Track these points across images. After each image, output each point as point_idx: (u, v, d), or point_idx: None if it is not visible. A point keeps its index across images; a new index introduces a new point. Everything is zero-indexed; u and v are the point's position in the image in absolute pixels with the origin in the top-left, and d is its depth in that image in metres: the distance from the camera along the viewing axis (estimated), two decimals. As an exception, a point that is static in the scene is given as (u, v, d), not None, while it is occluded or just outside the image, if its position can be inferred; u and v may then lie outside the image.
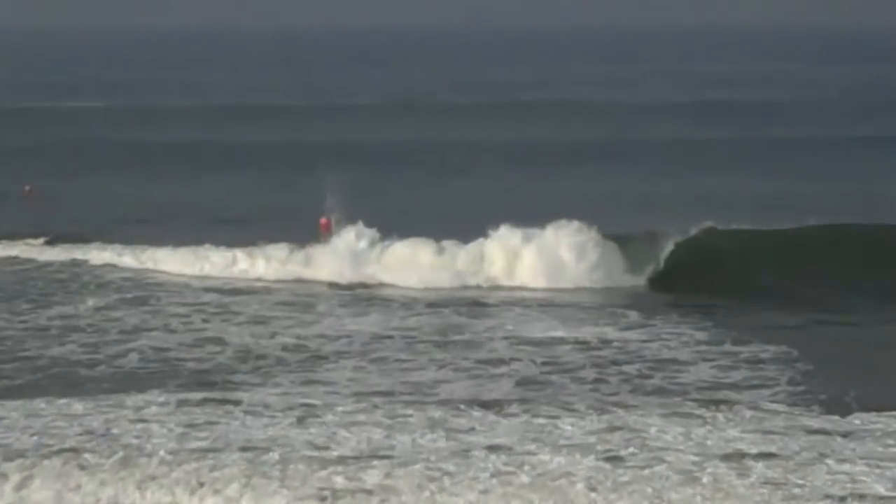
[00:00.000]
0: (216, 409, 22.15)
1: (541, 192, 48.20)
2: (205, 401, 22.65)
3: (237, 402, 22.60)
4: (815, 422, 21.26)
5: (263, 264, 34.92)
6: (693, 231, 34.46)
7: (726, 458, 19.47)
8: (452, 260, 34.36)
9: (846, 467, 19.07)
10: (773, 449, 19.84)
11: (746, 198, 45.52)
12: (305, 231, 36.43)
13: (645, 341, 27.31)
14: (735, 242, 34.52)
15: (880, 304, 31.11)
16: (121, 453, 19.88)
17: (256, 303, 31.62)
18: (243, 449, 20.00)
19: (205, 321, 29.64)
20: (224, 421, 21.53)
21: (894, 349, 27.56)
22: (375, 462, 19.43)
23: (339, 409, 22.18)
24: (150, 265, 35.84)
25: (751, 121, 77.73)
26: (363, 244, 34.98)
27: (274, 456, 19.72)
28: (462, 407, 22.27)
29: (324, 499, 18.42)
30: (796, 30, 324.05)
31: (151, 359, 26.28)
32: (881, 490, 18.23)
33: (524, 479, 18.75)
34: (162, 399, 22.82)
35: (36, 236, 38.86)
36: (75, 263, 36.27)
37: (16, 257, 37.16)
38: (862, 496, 18.08)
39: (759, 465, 19.13)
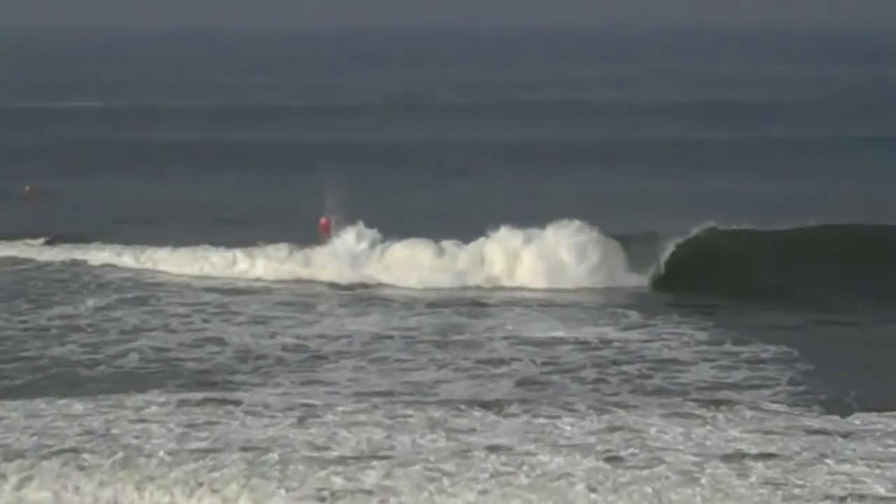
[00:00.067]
0: (216, 410, 22.15)
1: (541, 192, 48.20)
2: (205, 401, 22.65)
3: (237, 403, 22.60)
4: (815, 422, 21.25)
5: (263, 264, 34.92)
6: (694, 231, 34.47)
7: (726, 458, 19.46)
8: (452, 260, 34.35)
9: (846, 468, 19.07)
10: (773, 449, 19.83)
11: (746, 198, 45.53)
12: (305, 231, 36.43)
13: (645, 341, 27.31)
14: (735, 243, 34.52)
15: (880, 304, 31.12)
16: (120, 453, 19.87)
17: (256, 303, 31.62)
18: (243, 449, 20.00)
19: (205, 321, 29.64)
20: (224, 421, 21.52)
21: (894, 349, 27.54)
22: (375, 462, 19.42)
23: (340, 409, 22.17)
24: (150, 265, 35.84)
25: (751, 121, 77.73)
26: (363, 245, 34.98)
27: (274, 456, 19.71)
28: (462, 407, 22.26)
29: (323, 499, 18.41)
30: (796, 30, 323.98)
31: (151, 359, 26.27)
32: (881, 490, 18.22)
33: (524, 479, 18.75)
34: (162, 399, 22.82)
35: (36, 236, 38.87)
36: (75, 263, 36.26)
37: (16, 257, 37.15)
38: (862, 496, 18.07)
39: (759, 466, 19.12)
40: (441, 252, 34.59)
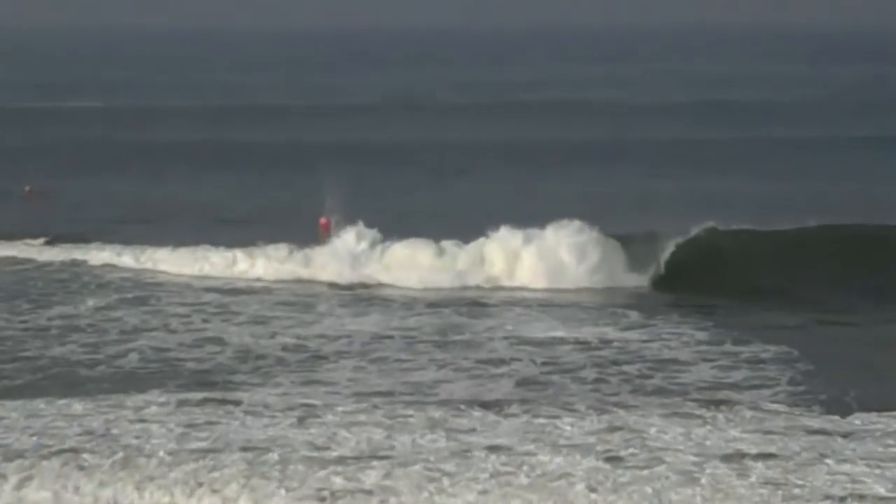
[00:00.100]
0: (216, 410, 22.15)
1: (541, 192, 48.20)
2: (205, 401, 22.65)
3: (237, 403, 22.59)
4: (815, 422, 21.25)
5: (263, 264, 34.92)
6: (694, 231, 34.47)
7: (726, 458, 19.46)
8: (452, 260, 34.35)
9: (846, 468, 19.06)
10: (773, 449, 19.82)
11: (746, 198, 45.53)
12: (305, 231, 36.44)
13: (645, 341, 27.31)
14: (735, 243, 34.52)
15: (880, 304, 31.12)
16: (120, 454, 19.87)
17: (256, 303, 31.62)
18: (243, 449, 19.99)
19: (205, 321, 29.64)
20: (224, 421, 21.52)
21: (894, 349, 27.54)
22: (375, 462, 19.41)
23: (340, 409, 22.17)
24: (150, 265, 35.85)
25: (751, 121, 77.72)
26: (363, 245, 34.98)
27: (273, 456, 19.71)
28: (462, 407, 22.26)
29: (323, 499, 18.41)
30: (796, 29, 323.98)
31: (151, 359, 26.27)
32: (881, 491, 18.22)
33: (524, 479, 18.74)
34: (162, 399, 22.81)
35: (36, 236, 38.87)
36: (75, 263, 36.27)
37: (16, 257, 37.15)
38: (862, 497, 18.07)
39: (759, 466, 19.12)
40: (441, 252, 34.59)
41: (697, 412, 21.81)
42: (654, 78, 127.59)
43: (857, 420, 21.32)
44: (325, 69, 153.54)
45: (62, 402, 22.69)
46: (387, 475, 18.97)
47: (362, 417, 21.66)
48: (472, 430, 20.94)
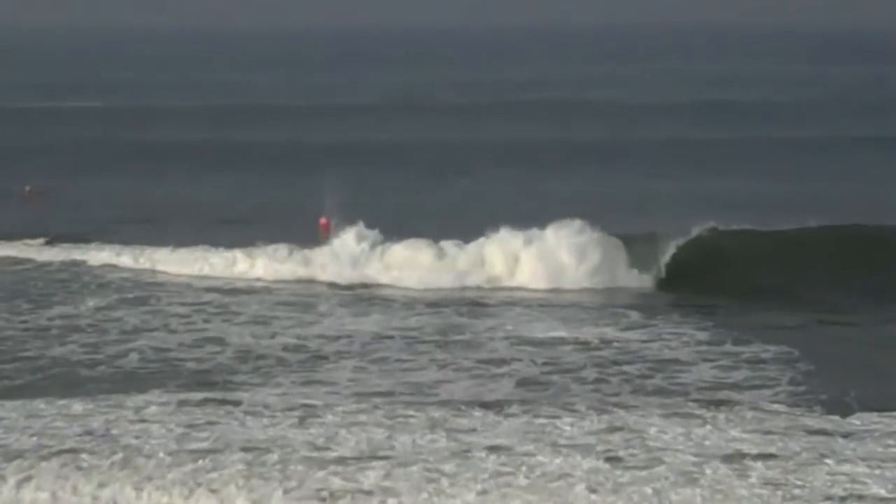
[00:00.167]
0: (216, 410, 22.15)
1: (541, 192, 48.19)
2: (205, 401, 22.65)
3: (237, 403, 22.59)
4: (815, 422, 21.24)
5: (263, 265, 34.91)
6: (695, 231, 34.47)
7: (726, 458, 19.46)
8: (453, 261, 34.34)
9: (846, 468, 19.06)
10: (773, 449, 19.82)
11: (747, 198, 45.51)
12: (305, 231, 36.44)
13: (646, 341, 27.30)
14: (736, 243, 34.52)
15: (881, 304, 31.12)
16: (120, 454, 19.87)
17: (256, 303, 31.62)
18: (243, 449, 19.99)
19: (205, 321, 29.64)
20: (224, 421, 21.52)
21: (894, 349, 27.52)
22: (375, 463, 19.41)
23: (340, 409, 22.17)
24: (149, 265, 35.86)
25: (751, 121, 77.70)
26: (363, 245, 34.98)
27: (273, 456, 19.70)
28: (462, 407, 22.25)
29: (322, 500, 18.40)
30: (796, 29, 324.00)
31: (152, 359, 26.27)
32: (881, 491, 18.22)
33: (524, 480, 18.74)
34: (162, 399, 22.81)
35: (36, 236, 38.88)
36: (75, 263, 36.27)
37: (15, 257, 37.16)
38: (862, 497, 18.06)
39: (759, 466, 19.12)
40: (441, 253, 34.58)
41: (698, 412, 21.80)
42: (654, 78, 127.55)
43: (857, 420, 21.32)
44: (325, 69, 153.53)
45: (62, 402, 22.69)
46: (386, 475, 18.96)
47: (363, 418, 21.66)
48: (473, 431, 20.94)
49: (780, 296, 31.85)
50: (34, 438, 20.70)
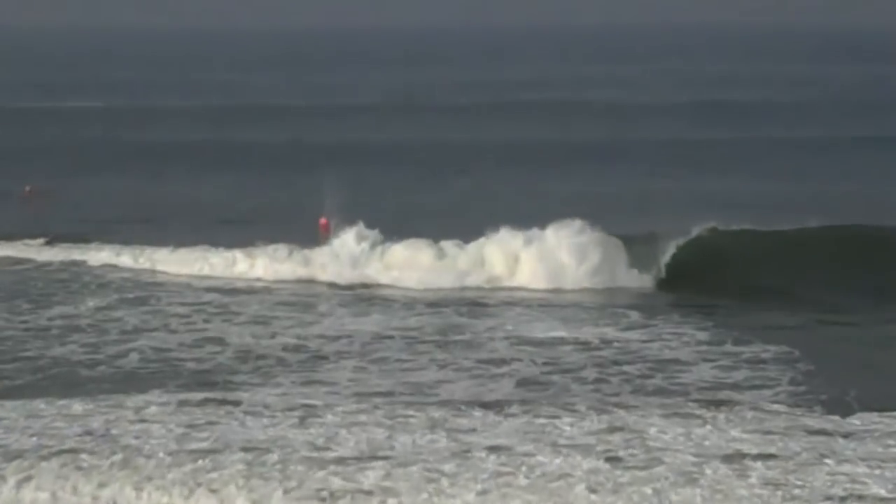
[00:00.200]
0: (216, 410, 22.14)
1: (541, 192, 48.18)
2: (205, 401, 22.64)
3: (237, 403, 22.59)
4: (815, 422, 21.23)
5: (263, 265, 34.91)
6: (695, 231, 34.47)
7: (726, 458, 19.46)
8: (453, 261, 34.33)
9: (846, 468, 19.06)
10: (773, 450, 19.81)
11: (747, 198, 45.50)
12: (305, 231, 36.43)
13: (646, 341, 27.30)
14: (736, 243, 34.52)
15: (880, 304, 31.12)
16: (120, 454, 19.86)
17: (257, 303, 31.61)
18: (243, 449, 19.99)
19: (205, 321, 29.63)
20: (224, 421, 21.51)
21: (895, 349, 27.52)
22: (375, 463, 19.40)
23: (340, 409, 22.16)
24: (149, 265, 35.85)
25: (751, 121, 77.69)
26: (364, 245, 34.97)
27: (273, 456, 19.70)
28: (462, 407, 22.25)
29: (322, 500, 18.40)
30: (796, 30, 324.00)
31: (152, 359, 26.26)
32: (882, 492, 18.21)
33: (524, 480, 18.74)
34: (162, 399, 22.81)
35: (36, 236, 38.88)
36: (75, 263, 36.27)
37: (16, 257, 37.15)
38: (862, 497, 18.06)
39: (759, 466, 19.11)
40: (441, 253, 34.57)
41: (698, 412, 21.80)
42: (654, 78, 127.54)
43: (857, 420, 21.31)
44: (325, 69, 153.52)
45: (62, 402, 22.68)
46: (386, 475, 18.96)
47: (363, 418, 21.66)
48: (473, 431, 20.94)
49: (780, 296, 31.85)
50: (34, 438, 20.70)
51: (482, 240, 34.49)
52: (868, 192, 47.12)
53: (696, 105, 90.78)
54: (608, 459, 19.46)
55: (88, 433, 20.88)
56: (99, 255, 36.71)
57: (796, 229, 35.25)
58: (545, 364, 25.51)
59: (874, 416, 21.44)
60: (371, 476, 18.93)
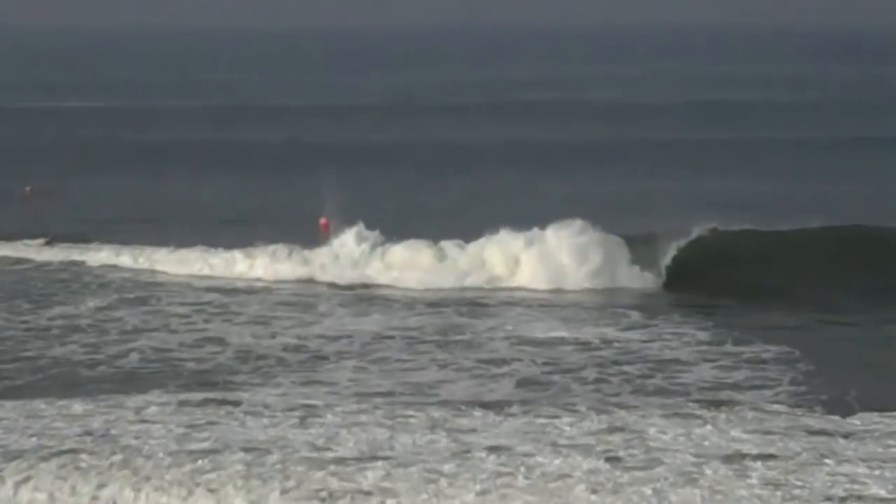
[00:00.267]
0: (217, 410, 22.13)
1: (541, 192, 48.16)
2: (205, 401, 22.63)
3: (237, 403, 22.58)
4: (815, 422, 21.21)
5: (263, 265, 34.90)
6: (696, 231, 34.47)
7: (726, 458, 19.44)
8: (453, 262, 34.32)
9: (846, 468, 19.04)
10: (773, 450, 19.79)
11: (747, 198, 45.49)
12: (305, 232, 36.42)
13: (646, 341, 27.29)
14: (736, 243, 34.52)
15: (881, 304, 31.11)
16: (120, 454, 19.85)
17: (257, 303, 31.61)
18: (243, 450, 19.97)
19: (205, 321, 29.62)
20: (224, 421, 21.50)
21: (895, 349, 27.51)
22: (375, 463, 19.39)
23: (340, 409, 22.15)
24: (149, 265, 35.85)
25: (751, 121, 77.68)
26: (364, 246, 34.96)
27: (273, 457, 19.69)
28: (463, 407, 22.24)
29: (322, 500, 18.39)
30: (796, 30, 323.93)
31: (152, 359, 26.25)
32: (882, 492, 18.20)
33: (523, 480, 18.73)
34: (162, 399, 22.80)
35: (35, 236, 38.87)
36: (75, 264, 36.28)
37: (16, 257, 37.15)
38: (862, 498, 18.05)
39: (759, 466, 19.10)
40: (441, 253, 34.56)
41: (698, 412, 21.79)
42: (654, 78, 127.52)
43: (857, 420, 21.30)
44: (325, 69, 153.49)
45: (62, 402, 22.67)
46: (386, 476, 18.95)
47: (363, 418, 21.65)
48: (473, 431, 20.93)
49: (780, 296, 31.84)
50: (34, 439, 20.68)
51: (482, 240, 34.48)
52: (868, 192, 47.12)
53: (696, 105, 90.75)
54: (608, 460, 19.45)
55: (88, 433, 20.86)
56: (99, 256, 36.72)
57: (797, 229, 35.25)
58: (545, 364, 25.50)
59: (874, 417, 21.43)
60: (370, 476, 18.92)
